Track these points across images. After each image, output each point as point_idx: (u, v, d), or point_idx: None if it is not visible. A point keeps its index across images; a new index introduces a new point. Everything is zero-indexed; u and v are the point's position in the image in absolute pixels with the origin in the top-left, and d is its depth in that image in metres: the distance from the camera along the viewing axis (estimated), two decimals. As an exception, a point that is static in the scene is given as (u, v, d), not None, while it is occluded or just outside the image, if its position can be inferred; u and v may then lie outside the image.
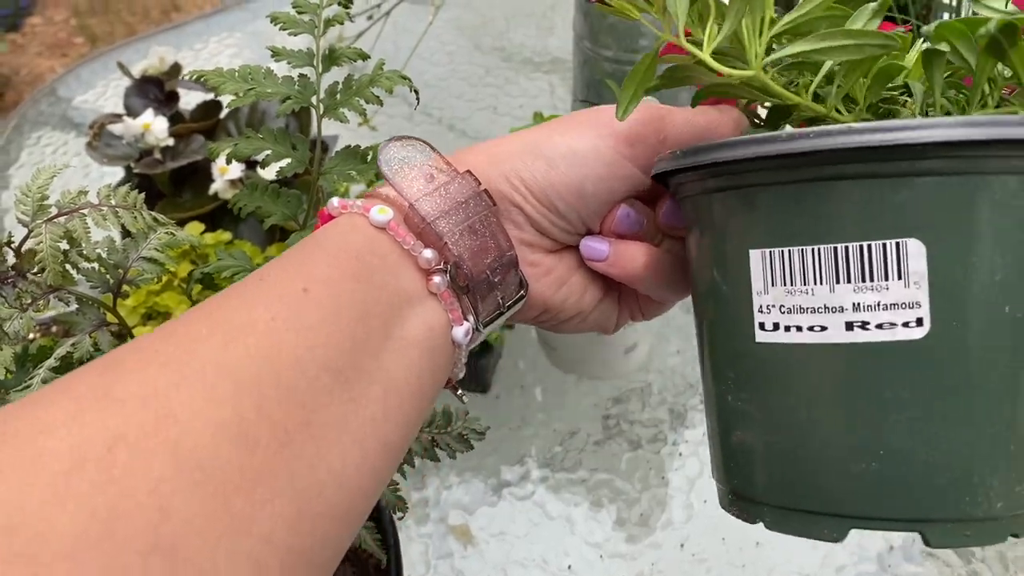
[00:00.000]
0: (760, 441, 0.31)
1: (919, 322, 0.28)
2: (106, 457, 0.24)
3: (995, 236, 0.28)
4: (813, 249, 0.28)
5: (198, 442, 0.25)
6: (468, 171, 0.36)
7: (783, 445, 0.30)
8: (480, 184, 0.36)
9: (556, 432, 0.79)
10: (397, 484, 0.46)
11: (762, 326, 0.30)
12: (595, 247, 0.39)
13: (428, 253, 0.34)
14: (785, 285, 0.29)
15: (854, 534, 0.69)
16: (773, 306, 0.29)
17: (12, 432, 0.24)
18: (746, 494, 0.32)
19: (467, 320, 0.35)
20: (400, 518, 0.47)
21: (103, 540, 0.22)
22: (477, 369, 0.79)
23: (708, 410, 0.35)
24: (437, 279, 0.34)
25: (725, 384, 0.32)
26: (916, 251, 0.27)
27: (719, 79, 0.32)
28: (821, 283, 0.28)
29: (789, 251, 0.29)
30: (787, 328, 0.29)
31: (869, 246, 0.28)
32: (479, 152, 0.38)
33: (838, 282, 0.28)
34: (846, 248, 0.28)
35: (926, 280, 0.28)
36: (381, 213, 0.34)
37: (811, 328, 0.29)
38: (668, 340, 0.86)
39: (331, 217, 0.36)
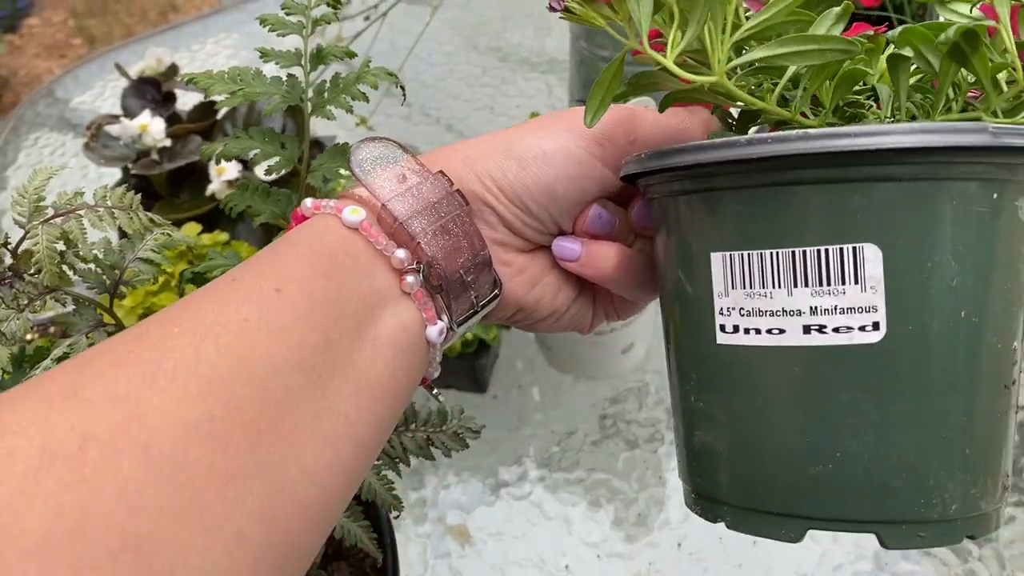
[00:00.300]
0: (721, 442, 0.31)
1: (875, 326, 0.28)
2: (76, 456, 0.24)
3: (952, 242, 0.28)
4: (772, 253, 0.29)
5: (168, 441, 0.25)
6: (441, 171, 0.37)
7: (743, 446, 0.31)
8: (453, 184, 0.36)
9: (553, 432, 0.79)
10: (392, 483, 0.46)
11: (723, 328, 0.30)
12: (567, 247, 0.39)
13: (401, 253, 0.34)
14: (745, 288, 0.29)
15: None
16: (733, 308, 0.30)
17: None
18: (708, 493, 0.33)
19: (441, 319, 0.36)
20: (396, 517, 0.47)
21: (73, 538, 0.22)
22: (474, 369, 0.79)
23: (674, 410, 0.35)
24: (410, 279, 0.34)
25: (689, 384, 0.33)
26: (873, 256, 0.28)
27: (684, 85, 0.32)
28: (779, 287, 0.29)
29: (748, 254, 0.29)
30: (746, 331, 0.29)
31: (827, 250, 0.28)
32: (453, 153, 0.38)
33: (796, 286, 0.28)
34: (804, 252, 0.28)
35: (882, 285, 0.28)
36: (354, 214, 0.34)
37: (769, 331, 0.29)
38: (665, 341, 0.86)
39: (304, 218, 0.36)
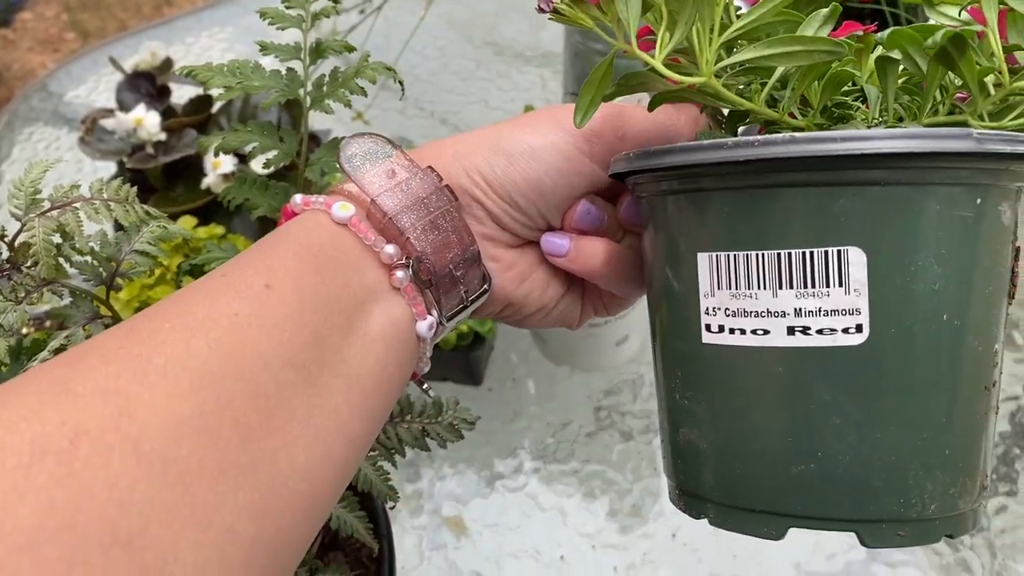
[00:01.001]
0: (705, 440, 0.32)
1: (859, 328, 0.28)
2: (67, 451, 0.24)
3: (936, 246, 0.28)
4: (758, 254, 0.29)
5: (159, 436, 0.25)
6: (429, 167, 0.37)
7: (726, 444, 0.31)
8: (442, 180, 0.37)
9: (548, 424, 0.79)
10: (388, 474, 0.46)
11: (708, 328, 0.30)
12: (556, 242, 0.39)
13: (390, 248, 0.35)
14: (731, 289, 0.29)
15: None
16: (719, 309, 0.30)
17: None
18: (692, 491, 0.33)
19: (431, 314, 0.36)
20: (391, 507, 0.47)
21: (63, 533, 0.23)
22: (469, 362, 0.79)
23: (659, 406, 0.35)
24: (399, 274, 0.35)
25: (674, 382, 0.33)
26: (857, 259, 0.28)
27: (672, 86, 0.32)
28: (765, 288, 0.29)
29: (735, 255, 0.29)
30: (732, 331, 0.30)
31: (812, 253, 0.28)
32: (442, 148, 0.38)
33: (781, 287, 0.29)
34: (789, 254, 0.28)
35: (866, 288, 0.28)
36: (343, 209, 0.35)
37: (754, 331, 0.29)
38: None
39: (293, 214, 0.36)
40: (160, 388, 0.26)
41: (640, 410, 0.80)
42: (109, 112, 0.93)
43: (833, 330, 0.28)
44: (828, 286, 0.28)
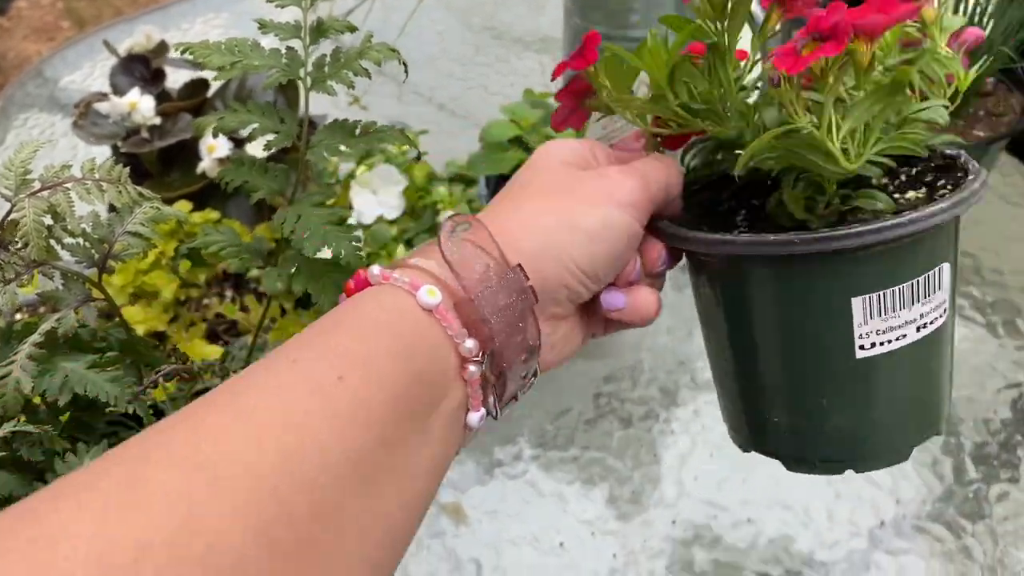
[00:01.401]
0: (860, 422, 0.42)
1: (944, 312, 0.41)
2: (131, 568, 0.23)
3: (957, 249, 0.43)
4: (901, 287, 0.40)
5: (227, 554, 0.25)
6: (519, 265, 0.37)
7: (884, 420, 0.42)
8: (527, 279, 0.37)
9: (548, 411, 0.79)
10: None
11: (862, 347, 0.40)
12: (614, 300, 0.42)
13: (470, 343, 0.34)
14: (881, 316, 0.40)
15: (846, 510, 0.69)
16: (871, 332, 0.40)
17: (31, 538, 0.23)
18: (838, 458, 0.44)
19: (484, 407, 0.36)
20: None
21: None
22: (468, 348, 0.79)
23: (794, 413, 0.43)
24: (472, 368, 0.35)
25: (820, 393, 0.42)
26: (947, 271, 0.41)
27: (820, 162, 0.39)
28: (904, 308, 0.40)
29: (884, 293, 0.40)
30: (881, 343, 0.40)
31: (928, 275, 0.40)
32: (521, 240, 0.38)
33: (914, 304, 0.40)
34: (918, 280, 0.40)
35: (949, 287, 0.41)
36: (431, 295, 0.34)
37: (897, 339, 0.40)
38: (659, 320, 0.86)
39: (366, 283, 0.36)
40: (227, 497, 0.26)
41: (639, 397, 0.80)
42: (103, 96, 0.92)
43: (936, 320, 0.41)
44: (935, 293, 0.40)
